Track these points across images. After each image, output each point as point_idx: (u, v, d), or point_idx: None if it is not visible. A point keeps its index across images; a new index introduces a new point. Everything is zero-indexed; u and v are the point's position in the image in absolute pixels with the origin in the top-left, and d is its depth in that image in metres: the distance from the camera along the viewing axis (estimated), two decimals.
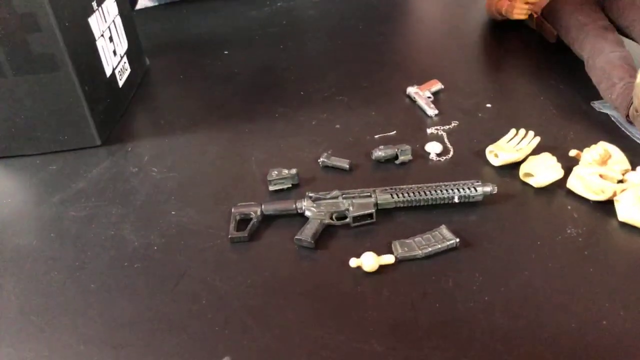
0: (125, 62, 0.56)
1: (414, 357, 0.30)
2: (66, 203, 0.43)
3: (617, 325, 0.31)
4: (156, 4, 0.87)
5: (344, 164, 0.44)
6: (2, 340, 0.33)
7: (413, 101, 0.53)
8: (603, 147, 0.42)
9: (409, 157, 0.44)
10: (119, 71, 0.54)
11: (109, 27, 0.53)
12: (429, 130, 0.49)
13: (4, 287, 0.36)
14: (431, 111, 0.51)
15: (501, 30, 0.67)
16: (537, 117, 0.50)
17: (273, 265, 0.37)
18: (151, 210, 0.42)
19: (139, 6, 0.85)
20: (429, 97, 0.53)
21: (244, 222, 0.39)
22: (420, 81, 0.55)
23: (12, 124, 0.48)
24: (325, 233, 0.38)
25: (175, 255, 0.38)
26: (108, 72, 0.52)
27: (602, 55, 0.49)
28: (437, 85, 0.54)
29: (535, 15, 0.64)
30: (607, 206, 0.39)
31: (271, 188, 0.42)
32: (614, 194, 0.38)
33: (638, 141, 0.45)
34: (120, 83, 0.55)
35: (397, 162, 0.45)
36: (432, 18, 0.77)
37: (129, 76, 0.57)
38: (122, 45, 0.56)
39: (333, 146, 0.47)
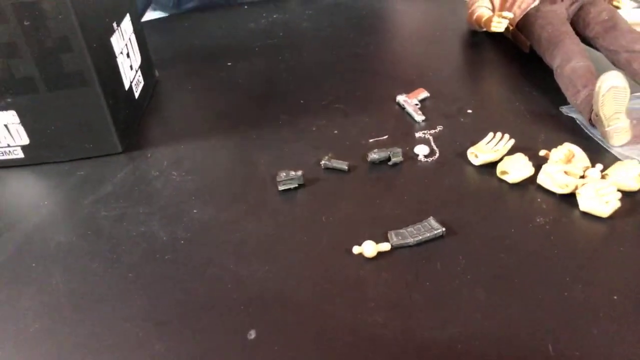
0: (139, 75, 0.61)
1: (409, 325, 0.36)
2: (97, 204, 0.48)
3: (576, 296, 0.37)
4: (161, 15, 0.92)
5: (343, 165, 0.50)
6: (56, 320, 0.38)
7: (402, 108, 0.59)
8: (567, 148, 0.48)
9: (400, 158, 0.50)
10: (135, 84, 0.60)
11: (126, 45, 0.58)
12: (417, 135, 0.54)
13: (53, 277, 0.42)
14: (418, 117, 0.57)
15: (480, 41, 0.73)
16: (512, 121, 0.56)
17: (286, 254, 0.42)
18: (175, 209, 0.47)
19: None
20: (417, 104, 0.59)
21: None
22: (408, 90, 0.61)
23: (44, 135, 0.52)
24: (330, 226, 0.44)
25: (200, 247, 0.43)
26: (127, 86, 0.57)
27: (568, 66, 0.56)
28: (424, 94, 0.60)
29: (510, 28, 0.70)
30: (570, 198, 0.45)
31: (280, 188, 0.48)
32: (576, 188, 0.44)
33: (599, 142, 0.51)
34: (136, 95, 0.60)
35: (389, 163, 0.50)
36: (418, 29, 0.83)
37: (143, 88, 0.62)
38: (137, 60, 0.61)
39: (332, 150, 0.53)
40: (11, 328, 0.38)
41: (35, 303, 0.40)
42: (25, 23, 0.46)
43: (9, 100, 0.50)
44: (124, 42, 0.57)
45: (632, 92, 0.55)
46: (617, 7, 0.66)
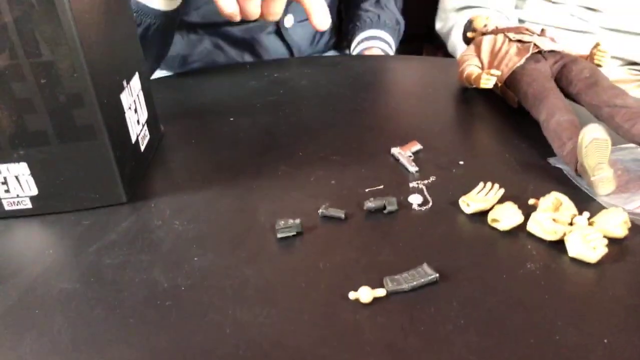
0: (145, 130, 0.64)
1: None
2: (101, 252, 0.50)
3: (567, 339, 0.38)
4: (167, 74, 0.97)
5: (340, 214, 0.52)
6: None
7: (396, 160, 0.61)
8: (555, 196, 0.50)
9: (395, 207, 0.52)
10: (141, 137, 0.62)
11: (134, 101, 0.61)
12: (411, 184, 0.57)
13: (55, 322, 0.42)
14: (412, 168, 0.59)
15: (471, 97, 0.77)
16: (502, 172, 0.58)
17: (284, 299, 0.43)
18: (176, 257, 0.49)
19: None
20: (410, 156, 0.61)
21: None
22: (402, 142, 0.64)
23: (52, 186, 0.55)
24: (328, 272, 0.45)
25: (200, 293, 0.44)
26: (133, 139, 0.59)
27: (553, 120, 0.59)
28: (417, 146, 0.63)
29: (499, 84, 0.74)
30: (559, 245, 0.46)
31: (279, 235, 0.50)
32: (564, 235, 0.46)
33: (585, 190, 0.53)
34: (142, 148, 0.62)
35: (385, 211, 0.52)
36: (411, 87, 0.87)
37: (148, 142, 0.65)
38: (143, 115, 0.64)
39: (330, 199, 0.55)
40: None
41: (37, 347, 0.40)
42: (42, 81, 0.49)
43: (21, 152, 0.52)
44: (132, 98, 0.60)
45: (615, 144, 0.57)
46: (599, 65, 0.70)
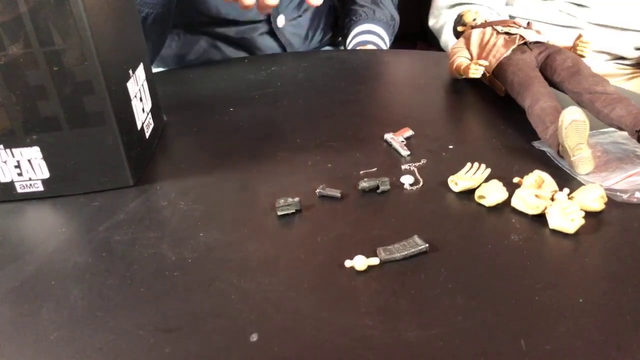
0: (150, 118, 0.67)
1: (396, 326, 0.39)
2: (111, 230, 0.53)
3: (545, 300, 0.41)
4: (160, 69, 1.00)
5: (336, 193, 0.55)
6: (74, 329, 0.42)
7: (390, 145, 0.65)
8: (538, 174, 0.53)
9: (387, 187, 0.55)
10: (146, 125, 0.65)
11: (139, 90, 0.64)
12: (403, 167, 0.60)
13: (72, 293, 0.45)
14: (404, 152, 0.62)
15: (460, 87, 0.80)
16: (489, 155, 0.61)
17: (285, 269, 0.46)
18: (182, 234, 0.52)
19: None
20: (403, 141, 0.64)
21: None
22: (395, 129, 0.67)
23: (63, 169, 0.57)
24: (325, 245, 0.49)
25: (206, 265, 0.47)
26: (139, 126, 0.62)
27: (537, 105, 0.62)
28: (409, 132, 0.66)
29: (487, 75, 0.77)
30: (540, 218, 0.49)
31: (279, 213, 0.53)
32: (545, 209, 0.49)
33: (566, 170, 0.56)
34: (147, 135, 0.65)
35: (378, 191, 0.55)
36: (404, 78, 0.90)
37: (152, 129, 0.68)
38: (148, 103, 0.67)
39: (326, 181, 0.58)
40: (32, 337, 0.42)
41: (55, 315, 0.43)
42: (55, 68, 0.52)
43: (34, 137, 0.55)
44: (137, 87, 0.63)
45: (595, 129, 0.61)
46: (582, 56, 0.74)
